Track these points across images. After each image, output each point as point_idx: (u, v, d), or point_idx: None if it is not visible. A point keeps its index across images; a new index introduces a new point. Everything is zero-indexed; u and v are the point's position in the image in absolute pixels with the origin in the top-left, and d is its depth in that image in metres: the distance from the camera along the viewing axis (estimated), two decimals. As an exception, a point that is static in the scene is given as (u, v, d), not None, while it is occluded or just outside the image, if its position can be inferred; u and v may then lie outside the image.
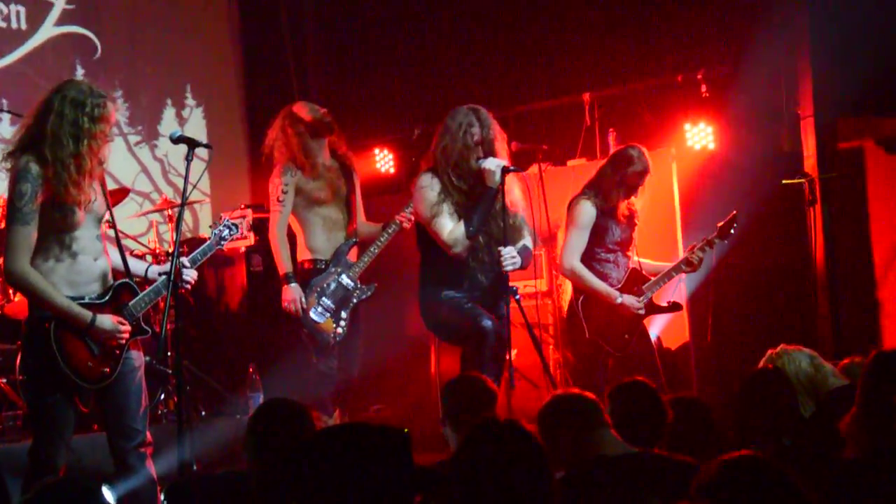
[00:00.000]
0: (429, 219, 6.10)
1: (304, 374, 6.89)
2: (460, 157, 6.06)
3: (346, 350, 6.86)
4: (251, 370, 7.45)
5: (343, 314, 6.79)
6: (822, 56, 7.76)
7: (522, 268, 6.09)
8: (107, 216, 5.05)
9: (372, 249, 6.88)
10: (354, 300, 6.83)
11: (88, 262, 4.93)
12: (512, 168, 6.00)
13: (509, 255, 5.93)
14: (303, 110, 6.89)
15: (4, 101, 8.72)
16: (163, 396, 7.24)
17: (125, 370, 4.97)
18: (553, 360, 7.63)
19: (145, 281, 5.20)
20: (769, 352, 5.07)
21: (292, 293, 6.75)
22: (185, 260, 5.21)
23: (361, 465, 2.66)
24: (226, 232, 5.57)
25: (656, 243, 7.43)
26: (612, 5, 8.88)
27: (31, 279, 4.78)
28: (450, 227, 6.05)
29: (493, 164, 5.97)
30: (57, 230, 4.84)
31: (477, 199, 6.04)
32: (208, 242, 5.51)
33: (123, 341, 4.94)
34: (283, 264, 6.81)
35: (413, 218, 6.50)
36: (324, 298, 6.77)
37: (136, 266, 5.22)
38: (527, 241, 6.22)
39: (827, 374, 4.86)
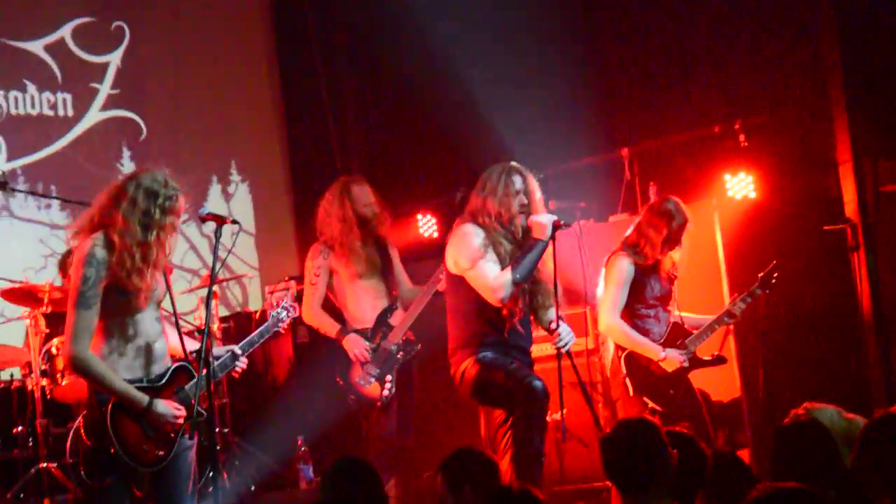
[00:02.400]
0: (472, 263, 5.89)
1: (355, 443, 6.89)
2: (503, 204, 5.95)
3: (402, 416, 6.85)
4: (300, 443, 7.47)
5: (389, 377, 6.79)
6: (858, 99, 7.70)
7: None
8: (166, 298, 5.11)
9: (412, 310, 6.90)
10: (399, 361, 6.83)
11: (147, 345, 4.97)
12: (564, 223, 5.89)
13: (567, 334, 5.85)
14: (358, 198, 6.93)
15: (53, 188, 8.92)
16: (211, 474, 7.26)
17: (178, 450, 5.00)
18: (603, 417, 7.57)
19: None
20: (792, 412, 4.95)
21: (353, 343, 6.79)
22: (236, 348, 5.29)
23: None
24: (283, 314, 5.63)
25: (702, 296, 7.36)
26: (647, 60, 8.90)
27: (91, 363, 4.82)
28: (496, 272, 5.84)
29: (545, 219, 5.86)
30: (118, 314, 4.89)
31: (525, 250, 5.89)
32: (266, 325, 5.56)
33: (178, 426, 4.97)
34: (332, 326, 6.87)
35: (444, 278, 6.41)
36: (367, 365, 6.79)
37: (194, 347, 5.21)
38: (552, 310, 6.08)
39: (859, 424, 4.76)
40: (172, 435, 4.96)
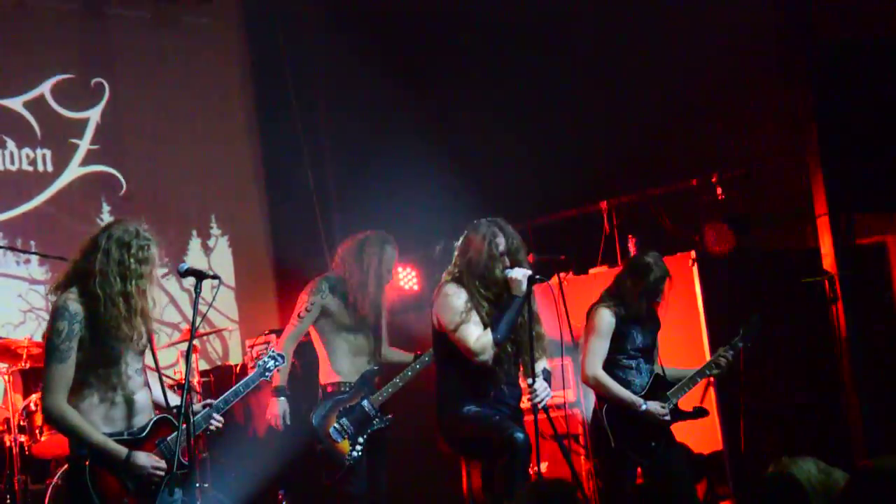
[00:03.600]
0: (455, 326, 5.91)
1: (333, 497, 6.85)
2: (486, 267, 5.96)
3: (373, 474, 6.83)
4: (281, 497, 7.43)
5: (360, 439, 6.77)
6: (834, 153, 7.79)
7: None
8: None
9: (397, 381, 6.88)
10: (372, 427, 6.82)
11: (128, 396, 4.95)
12: (538, 278, 5.93)
13: (542, 390, 5.85)
14: (391, 255, 6.97)
15: (32, 243, 8.91)
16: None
17: None
18: (585, 469, 7.56)
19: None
20: (770, 468, 4.96)
21: (276, 407, 6.84)
22: (217, 403, 5.24)
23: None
24: (270, 363, 5.61)
25: (682, 349, 7.40)
26: (625, 113, 8.99)
27: (66, 416, 4.81)
28: (477, 334, 5.87)
29: (519, 274, 5.90)
30: (98, 365, 4.88)
31: (503, 309, 5.94)
32: (251, 375, 5.53)
33: (160, 478, 4.92)
34: (281, 376, 6.85)
35: None
36: (344, 419, 6.78)
37: (175, 401, 5.18)
38: (544, 362, 6.14)
39: (838, 477, 4.77)
40: (153, 488, 4.93)
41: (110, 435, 4.86)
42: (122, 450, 4.85)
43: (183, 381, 7.82)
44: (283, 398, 6.83)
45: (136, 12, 10.01)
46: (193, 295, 5.15)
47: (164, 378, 7.93)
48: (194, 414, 5.13)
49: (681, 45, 8.56)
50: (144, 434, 4.96)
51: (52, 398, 4.81)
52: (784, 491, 4.31)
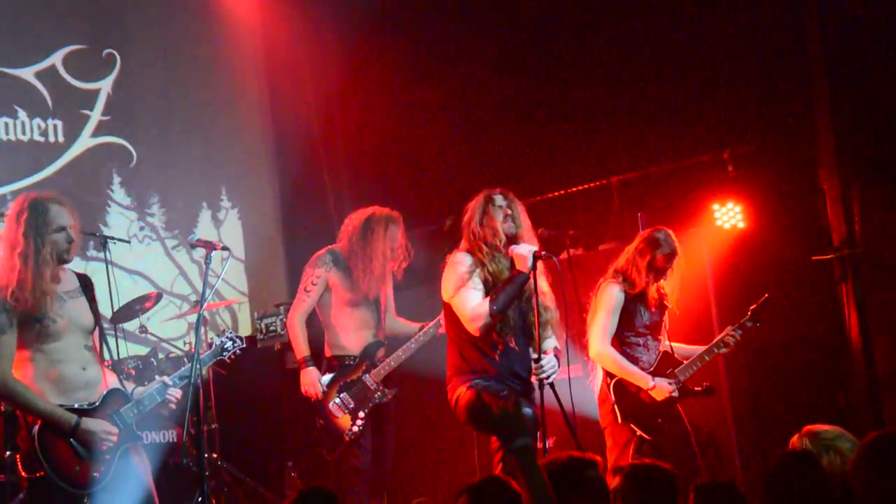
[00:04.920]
0: (454, 291, 5.94)
1: (338, 470, 6.88)
2: (487, 228, 6.01)
3: (377, 446, 6.86)
4: (289, 468, 7.46)
5: (361, 413, 6.79)
6: (845, 129, 7.75)
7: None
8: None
9: (399, 354, 6.90)
10: (374, 402, 6.83)
11: (75, 370, 5.05)
12: (543, 254, 5.92)
13: (549, 366, 5.86)
14: (395, 234, 6.97)
15: (43, 213, 8.88)
16: (200, 499, 7.24)
17: (122, 474, 5.04)
18: (592, 444, 7.55)
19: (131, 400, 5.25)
20: (795, 437, 4.95)
21: (311, 375, 6.81)
22: (167, 379, 5.32)
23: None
24: (228, 343, 5.65)
25: (691, 326, 7.37)
26: (636, 89, 8.94)
27: (10, 385, 4.92)
28: (475, 302, 5.89)
29: (524, 250, 5.90)
30: (39, 341, 4.98)
31: (507, 282, 5.93)
32: (207, 353, 5.63)
33: (112, 444, 5.01)
34: (302, 348, 6.87)
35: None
36: (344, 393, 6.79)
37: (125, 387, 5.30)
38: (552, 339, 6.12)
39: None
40: (108, 456, 5.00)
41: (61, 406, 4.96)
42: (72, 417, 4.95)
43: (192, 352, 7.88)
44: (313, 367, 6.83)
45: (147, -17, 9.99)
46: (203, 267, 5.18)
47: (171, 350, 8.03)
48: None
49: (693, 20, 8.50)
50: (96, 406, 5.06)
51: None
52: (801, 466, 4.32)
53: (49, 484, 4.88)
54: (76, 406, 5.01)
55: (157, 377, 5.61)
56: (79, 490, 4.94)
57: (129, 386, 5.31)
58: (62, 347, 5.02)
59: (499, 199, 6.08)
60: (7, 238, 5.08)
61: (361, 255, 6.87)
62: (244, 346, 5.76)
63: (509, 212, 6.04)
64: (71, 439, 4.94)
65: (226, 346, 5.61)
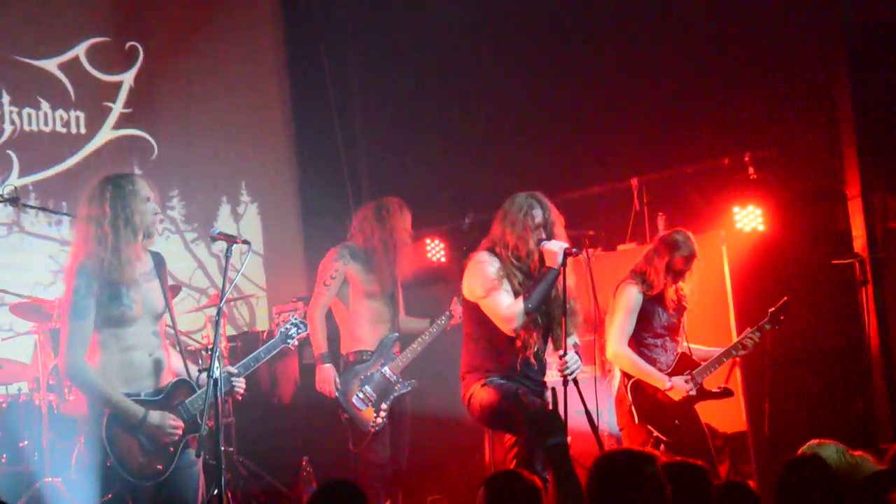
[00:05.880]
0: (486, 292, 5.91)
1: (356, 465, 6.91)
2: (521, 238, 5.96)
3: (395, 441, 6.90)
4: (304, 463, 7.48)
5: (384, 405, 6.85)
6: (867, 134, 7.73)
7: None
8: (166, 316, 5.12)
9: (415, 346, 6.98)
10: (395, 393, 6.90)
11: (143, 357, 4.99)
12: (574, 251, 5.90)
13: (574, 362, 5.84)
14: (408, 219, 6.99)
15: (64, 204, 8.94)
16: (216, 492, 7.26)
17: (181, 466, 5.00)
18: (608, 445, 7.55)
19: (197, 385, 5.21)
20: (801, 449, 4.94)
21: (327, 373, 6.85)
22: (231, 368, 5.26)
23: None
24: (293, 330, 5.62)
25: (709, 328, 7.37)
26: (658, 91, 8.94)
27: (84, 373, 4.86)
28: (508, 302, 5.87)
29: (555, 246, 5.88)
30: (112, 325, 4.92)
31: (538, 280, 5.90)
32: (273, 340, 5.56)
33: (176, 438, 4.97)
34: (320, 344, 6.90)
35: (460, 308, 6.47)
36: (366, 387, 6.85)
37: (191, 372, 5.22)
38: (574, 336, 6.11)
39: (859, 461, 4.77)
40: (172, 449, 4.96)
41: (128, 395, 4.90)
42: (139, 409, 4.89)
43: (210, 346, 7.90)
44: (329, 364, 6.87)
45: (171, -23, 10.04)
46: (222, 260, 5.17)
47: (189, 343, 8.06)
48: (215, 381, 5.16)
49: (715, 21, 8.49)
50: (162, 396, 5.00)
51: (70, 355, 4.86)
52: (813, 472, 4.32)
53: (113, 473, 4.86)
54: (143, 396, 4.94)
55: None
56: (141, 482, 4.90)
57: (194, 369, 5.20)
58: (133, 332, 4.95)
59: (535, 207, 6.03)
60: (91, 215, 5.01)
61: (380, 234, 6.93)
62: (307, 331, 5.75)
63: (543, 222, 6.02)
64: (138, 432, 4.90)
65: (290, 333, 5.61)
